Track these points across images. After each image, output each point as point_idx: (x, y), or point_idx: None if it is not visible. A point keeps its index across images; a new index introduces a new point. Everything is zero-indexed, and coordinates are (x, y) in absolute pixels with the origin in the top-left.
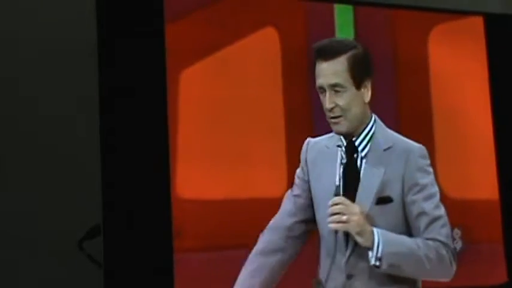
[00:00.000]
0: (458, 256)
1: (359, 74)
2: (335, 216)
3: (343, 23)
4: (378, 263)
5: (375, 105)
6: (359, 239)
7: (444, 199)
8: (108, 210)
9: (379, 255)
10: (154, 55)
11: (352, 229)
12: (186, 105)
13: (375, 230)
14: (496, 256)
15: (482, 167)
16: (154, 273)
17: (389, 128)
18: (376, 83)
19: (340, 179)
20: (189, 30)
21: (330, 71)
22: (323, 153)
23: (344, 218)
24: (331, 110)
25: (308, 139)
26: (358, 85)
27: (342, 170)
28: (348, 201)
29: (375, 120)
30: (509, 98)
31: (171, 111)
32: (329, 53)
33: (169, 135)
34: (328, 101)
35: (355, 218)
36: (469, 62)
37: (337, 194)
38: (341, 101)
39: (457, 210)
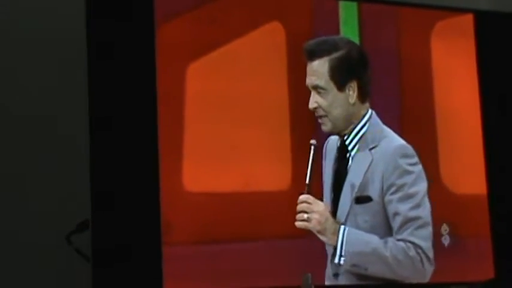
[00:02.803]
0: (446, 252)
1: (341, 76)
2: (298, 215)
3: (348, 19)
4: (341, 262)
5: (377, 101)
6: (321, 238)
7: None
8: (96, 204)
9: (342, 254)
10: (148, 51)
11: (313, 227)
12: (185, 100)
13: (342, 229)
14: (483, 252)
15: (470, 162)
16: (143, 267)
17: (387, 124)
18: (380, 79)
19: (310, 178)
20: (191, 27)
21: (312, 73)
22: (328, 152)
23: (305, 216)
24: (314, 110)
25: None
26: (341, 87)
27: (334, 168)
28: (312, 199)
29: (369, 119)
30: (497, 95)
31: (169, 106)
32: (314, 54)
33: (159, 130)
34: (310, 101)
35: (316, 216)
36: (469, 59)
37: (308, 192)
38: (323, 102)
39: (445, 206)
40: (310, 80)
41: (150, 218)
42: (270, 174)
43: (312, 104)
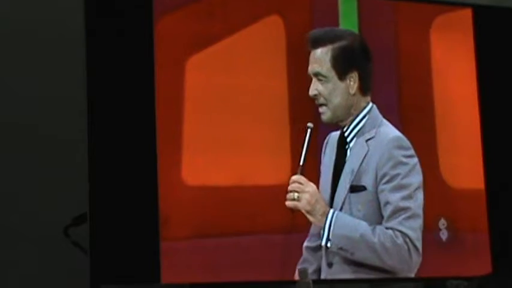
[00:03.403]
0: (444, 246)
1: (343, 65)
2: (289, 194)
3: (347, 12)
4: (328, 244)
5: (376, 95)
6: (310, 218)
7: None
8: (94, 198)
9: (329, 237)
10: (147, 44)
11: (302, 207)
12: (184, 93)
13: (331, 212)
14: (481, 246)
15: (468, 156)
16: (141, 261)
17: (386, 118)
18: (378, 73)
19: (304, 160)
20: (191, 20)
21: (314, 60)
22: (329, 147)
23: (295, 195)
24: (314, 97)
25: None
26: (341, 76)
27: (334, 159)
28: (303, 180)
29: (368, 111)
30: (495, 90)
31: (167, 99)
32: (317, 42)
33: (157, 123)
34: (311, 88)
35: (306, 196)
36: (468, 54)
37: (301, 174)
38: (323, 90)
39: (443, 200)
40: (312, 68)
41: (148, 211)
42: (269, 168)
43: (312, 91)
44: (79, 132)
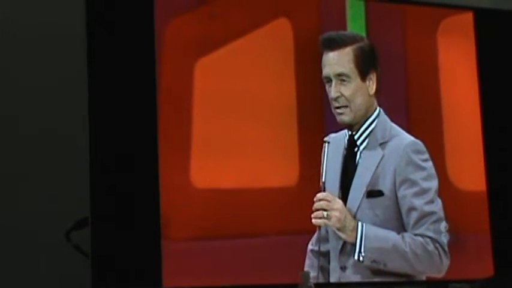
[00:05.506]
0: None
1: (364, 65)
2: (317, 212)
3: (355, 16)
4: (361, 258)
5: (384, 99)
6: (341, 235)
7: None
8: (96, 201)
9: (362, 250)
10: (152, 48)
11: (333, 225)
12: (189, 96)
13: (360, 225)
14: (483, 249)
15: (470, 158)
16: (143, 264)
17: (394, 121)
18: (386, 77)
19: (325, 176)
20: (199, 23)
21: (336, 61)
22: (332, 148)
23: (325, 214)
24: (336, 99)
25: (329, 135)
26: (363, 76)
27: (342, 163)
28: (330, 197)
29: (378, 115)
30: (497, 91)
31: (171, 102)
32: (335, 43)
33: (160, 126)
34: (333, 90)
35: (336, 214)
36: (473, 57)
37: (324, 190)
38: (346, 91)
39: (445, 203)
40: (332, 69)
41: (150, 214)
42: (274, 171)
43: (335, 93)
44: (81, 135)
